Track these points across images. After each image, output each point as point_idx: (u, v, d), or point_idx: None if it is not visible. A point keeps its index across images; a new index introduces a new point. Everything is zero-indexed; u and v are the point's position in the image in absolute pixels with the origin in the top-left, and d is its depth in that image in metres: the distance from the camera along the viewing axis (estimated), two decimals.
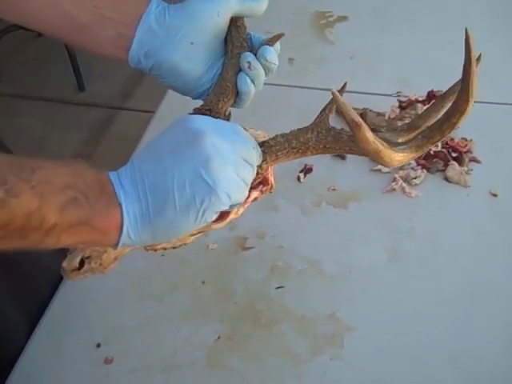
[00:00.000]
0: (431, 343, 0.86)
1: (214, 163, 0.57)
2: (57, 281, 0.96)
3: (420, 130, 0.65)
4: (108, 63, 2.90)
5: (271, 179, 0.68)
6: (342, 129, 0.63)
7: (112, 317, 0.92)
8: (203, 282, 0.95)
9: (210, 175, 0.57)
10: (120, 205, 0.56)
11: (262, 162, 0.64)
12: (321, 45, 1.41)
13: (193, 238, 0.66)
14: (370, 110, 1.17)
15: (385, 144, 0.61)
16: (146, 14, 0.68)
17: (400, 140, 0.65)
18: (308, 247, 0.98)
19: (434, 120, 0.64)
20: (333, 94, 0.57)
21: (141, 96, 2.79)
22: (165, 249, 0.66)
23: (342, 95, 0.63)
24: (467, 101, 0.60)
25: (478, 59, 0.66)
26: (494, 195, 1.04)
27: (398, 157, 0.62)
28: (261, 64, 0.69)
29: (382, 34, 1.42)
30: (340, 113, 0.58)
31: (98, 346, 0.87)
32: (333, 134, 0.63)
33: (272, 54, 0.69)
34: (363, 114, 1.16)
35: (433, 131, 0.62)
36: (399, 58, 1.34)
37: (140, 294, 0.94)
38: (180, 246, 0.66)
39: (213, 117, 0.66)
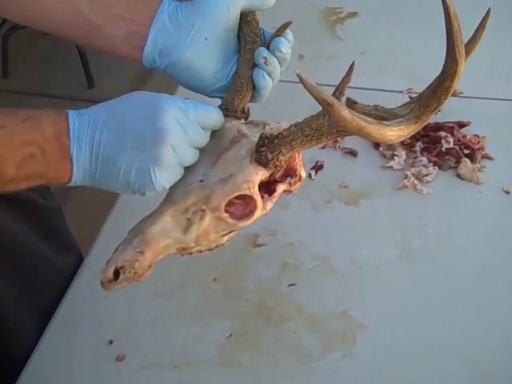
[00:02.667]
0: (444, 340, 0.85)
1: (164, 163, 0.61)
2: (64, 280, 0.96)
3: (415, 100, 0.63)
4: (117, 60, 2.91)
5: (299, 170, 0.67)
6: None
7: (123, 314, 0.91)
8: (214, 280, 0.95)
9: (155, 175, 0.62)
10: (71, 159, 0.61)
11: (278, 154, 0.63)
12: (331, 41, 1.41)
13: (226, 237, 0.66)
14: (381, 107, 1.16)
15: (368, 119, 0.57)
16: (160, 12, 0.69)
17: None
18: (319, 244, 0.98)
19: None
20: (298, 75, 0.54)
21: None
22: (201, 252, 0.66)
23: (351, 76, 0.61)
24: (456, 61, 0.57)
25: (488, 14, 0.63)
26: (507, 192, 1.04)
27: (392, 131, 0.58)
28: (275, 57, 0.68)
29: (392, 30, 1.41)
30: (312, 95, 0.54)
31: (111, 342, 0.87)
32: None
33: (286, 44, 0.69)
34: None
35: (428, 99, 0.59)
36: (410, 55, 1.33)
37: (151, 291, 0.94)
38: (216, 247, 0.66)
39: (229, 116, 0.66)
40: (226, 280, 0.94)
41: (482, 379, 0.81)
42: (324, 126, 0.61)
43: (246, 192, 0.63)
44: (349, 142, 1.14)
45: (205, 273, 0.95)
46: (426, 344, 0.85)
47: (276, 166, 0.63)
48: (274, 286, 0.93)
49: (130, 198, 1.08)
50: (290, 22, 0.70)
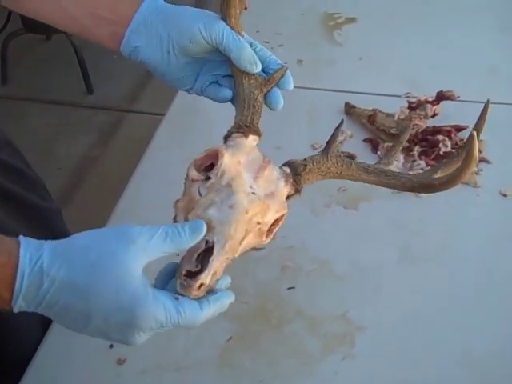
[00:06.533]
0: (443, 342, 0.86)
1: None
2: None
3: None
4: (116, 66, 2.92)
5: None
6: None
7: None
8: None
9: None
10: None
11: (306, 181, 0.68)
12: (330, 46, 1.41)
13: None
14: (380, 111, 1.17)
15: None
16: (137, 14, 0.72)
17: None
18: (318, 247, 0.99)
19: None
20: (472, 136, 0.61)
21: (149, 99, 2.80)
22: None
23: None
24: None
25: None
26: (504, 195, 1.05)
27: None
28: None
29: (390, 35, 1.42)
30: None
31: (111, 346, 0.87)
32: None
33: (291, 82, 0.75)
34: (373, 115, 1.16)
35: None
36: (408, 59, 1.34)
37: None
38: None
39: (251, 133, 0.67)
40: None
41: (482, 381, 0.82)
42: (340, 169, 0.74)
43: (285, 212, 0.65)
44: (347, 145, 1.15)
45: None
46: (424, 346, 0.86)
47: (300, 191, 0.68)
48: (273, 289, 0.93)
49: (132, 201, 1.09)
50: (284, 68, 0.74)
